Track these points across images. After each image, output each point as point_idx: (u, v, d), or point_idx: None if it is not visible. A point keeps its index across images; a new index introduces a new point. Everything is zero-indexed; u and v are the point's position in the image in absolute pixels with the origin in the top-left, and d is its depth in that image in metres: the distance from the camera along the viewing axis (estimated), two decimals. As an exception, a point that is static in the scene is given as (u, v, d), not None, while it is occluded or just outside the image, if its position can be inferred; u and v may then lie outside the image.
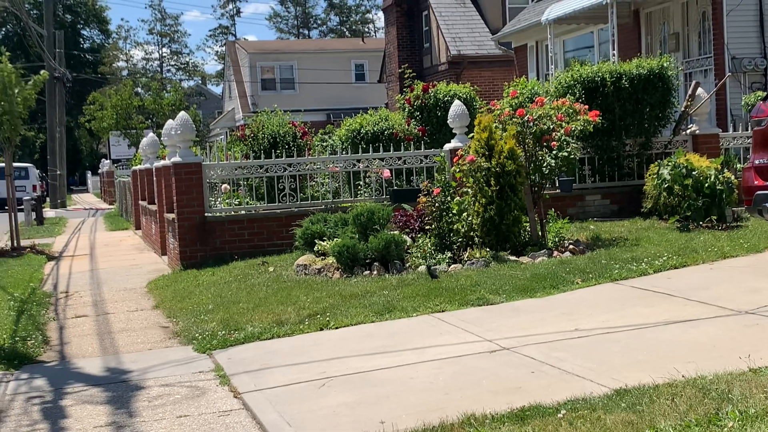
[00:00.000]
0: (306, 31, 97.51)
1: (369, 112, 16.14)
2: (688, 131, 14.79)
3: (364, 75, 52.07)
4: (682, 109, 14.80)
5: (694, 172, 12.27)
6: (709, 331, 6.84)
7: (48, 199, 44.10)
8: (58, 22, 62.69)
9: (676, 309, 7.65)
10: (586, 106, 11.62)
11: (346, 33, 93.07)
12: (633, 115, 14.13)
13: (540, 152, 11.12)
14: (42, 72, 19.36)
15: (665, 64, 14.24)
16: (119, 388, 6.99)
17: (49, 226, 27.14)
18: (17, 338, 8.95)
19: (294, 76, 51.88)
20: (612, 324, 7.31)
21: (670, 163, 12.63)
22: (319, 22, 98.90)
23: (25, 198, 28.85)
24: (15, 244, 18.27)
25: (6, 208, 19.94)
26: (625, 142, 14.42)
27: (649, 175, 13.15)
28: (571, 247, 10.75)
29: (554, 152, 10.99)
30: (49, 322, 10.31)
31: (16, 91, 17.38)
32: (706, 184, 12.08)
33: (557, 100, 11.69)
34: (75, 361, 8.28)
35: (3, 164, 21.37)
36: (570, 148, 11.03)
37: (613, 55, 17.33)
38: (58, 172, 43.33)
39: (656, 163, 13.20)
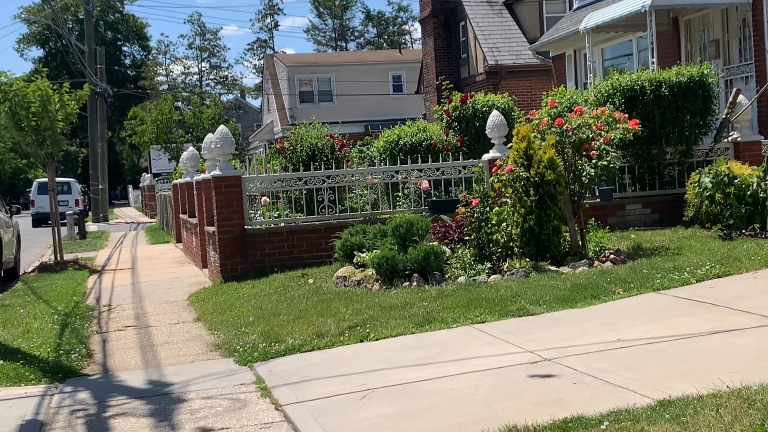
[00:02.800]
0: (343, 44, 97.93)
1: (407, 123, 16.16)
2: (729, 139, 14.63)
3: (402, 86, 52.13)
4: (723, 116, 14.64)
5: (736, 180, 12.12)
6: (753, 341, 6.75)
7: (90, 213, 44.63)
8: (100, 38, 63.64)
9: (720, 319, 7.56)
10: (626, 115, 11.55)
11: (384, 45, 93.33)
12: (673, 123, 14.00)
13: (579, 161, 11.06)
14: (84, 86, 19.66)
15: (705, 72, 14.11)
16: (161, 401, 7.05)
17: (92, 240, 27.47)
18: (61, 352, 9.07)
19: (332, 88, 52.08)
20: (654, 334, 7.24)
21: (711, 171, 12.49)
22: (356, 34, 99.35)
23: (67, 212, 29.21)
24: (58, 258, 18.52)
25: (49, 222, 20.22)
26: (665, 150, 14.29)
27: (691, 183, 13.01)
28: (611, 256, 10.66)
29: (594, 161, 10.93)
30: (92, 335, 10.42)
31: (57, 107, 17.65)
32: (749, 192, 11.93)
33: (596, 109, 11.63)
34: (118, 374, 8.36)
35: (46, 179, 21.68)
36: (610, 157, 10.96)
37: (653, 62, 17.19)
38: (100, 187, 43.84)
39: (697, 171, 13.05)
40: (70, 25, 78.59)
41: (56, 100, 17.67)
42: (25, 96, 17.30)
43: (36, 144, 17.78)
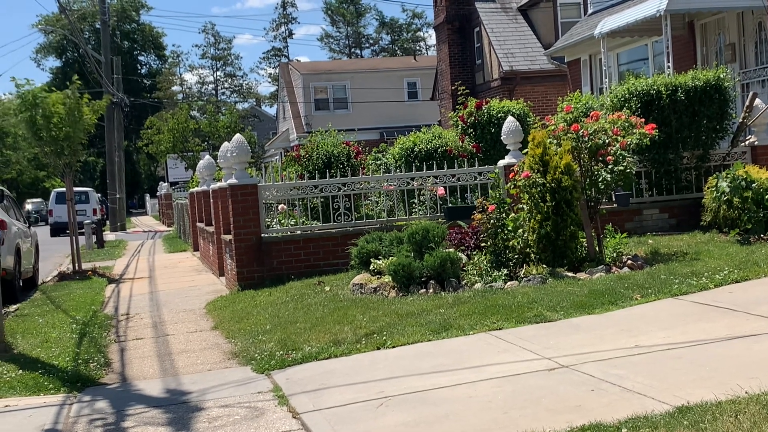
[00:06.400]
0: (358, 51, 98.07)
1: (422, 129, 16.15)
2: (746, 143, 14.56)
3: (417, 93, 52.12)
4: (740, 120, 14.57)
5: (753, 184, 12.06)
6: (773, 347, 6.71)
7: (108, 223, 44.86)
8: (116, 48, 63.95)
9: (739, 324, 7.52)
10: (642, 120, 11.51)
11: (398, 52, 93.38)
12: (690, 127, 13.95)
13: (595, 167, 11.04)
14: (104, 97, 19.78)
15: (721, 76, 14.05)
16: (179, 410, 7.06)
17: (110, 249, 27.60)
18: (79, 361, 9.11)
19: (347, 95, 52.11)
20: (673, 340, 7.20)
21: (728, 176, 12.44)
22: (370, 41, 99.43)
23: (85, 222, 29.37)
24: (77, 268, 18.61)
25: (68, 232, 20.33)
26: (682, 154, 14.23)
27: (708, 187, 12.96)
28: (629, 262, 10.63)
29: (610, 167, 10.90)
30: (110, 344, 10.46)
31: (79, 117, 17.75)
32: (767, 196, 11.87)
33: (612, 114, 11.60)
34: (136, 382, 8.39)
35: (64, 189, 21.81)
36: (626, 163, 10.93)
37: (668, 67, 17.13)
38: (118, 196, 44.05)
39: (714, 175, 13.01)
40: (87, 35, 79.17)
41: (80, 110, 17.79)
42: (49, 106, 17.40)
43: (54, 154, 17.88)
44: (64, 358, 9.18)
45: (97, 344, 10.17)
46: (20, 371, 8.73)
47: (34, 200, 64.80)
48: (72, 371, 8.68)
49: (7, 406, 7.57)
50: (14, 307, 13.96)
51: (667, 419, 5.16)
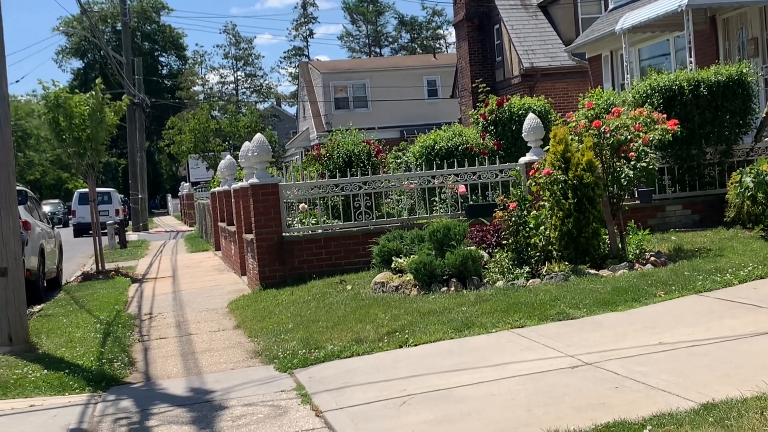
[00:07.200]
0: (377, 49, 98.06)
1: (442, 127, 16.12)
2: (770, 137, 14.44)
3: (437, 91, 52.04)
4: (764, 115, 14.46)
5: (777, 180, 11.97)
6: (798, 343, 6.65)
7: (130, 223, 45.10)
8: (137, 49, 64.31)
9: (763, 320, 7.46)
10: (664, 115, 11.45)
11: (418, 50, 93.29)
12: (712, 123, 13.86)
13: (618, 163, 10.98)
14: (123, 97, 19.88)
15: (744, 70, 13.95)
16: (203, 408, 7.09)
17: (132, 249, 27.75)
18: (104, 360, 9.16)
19: (367, 94, 52.10)
20: (697, 337, 7.16)
21: (752, 171, 12.34)
22: (390, 39, 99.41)
23: (108, 222, 29.54)
24: (100, 268, 18.73)
25: (90, 232, 20.45)
26: (704, 150, 14.14)
27: (731, 183, 12.87)
28: (652, 259, 10.57)
29: (632, 163, 10.85)
30: (134, 343, 10.52)
31: (102, 119, 17.85)
32: (791, 192, 11.78)
33: (634, 110, 11.54)
34: (160, 381, 8.43)
35: (87, 189, 21.95)
36: (648, 159, 10.87)
37: (690, 62, 17.01)
38: (140, 196, 44.27)
39: (738, 171, 12.91)
40: (108, 37, 79.61)
41: (102, 111, 17.90)
42: (71, 107, 17.50)
43: (77, 155, 18.01)
44: (88, 358, 9.24)
45: (121, 344, 10.22)
46: (45, 371, 8.79)
47: (52, 201, 64.88)
48: (96, 370, 8.72)
49: (32, 405, 7.62)
50: (38, 307, 14.06)
51: (692, 416, 5.13)
